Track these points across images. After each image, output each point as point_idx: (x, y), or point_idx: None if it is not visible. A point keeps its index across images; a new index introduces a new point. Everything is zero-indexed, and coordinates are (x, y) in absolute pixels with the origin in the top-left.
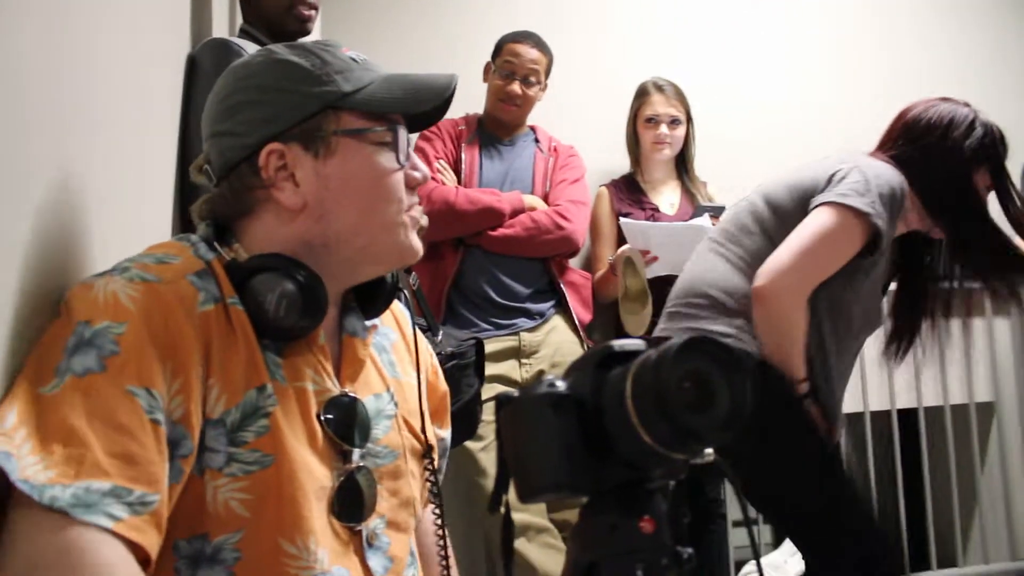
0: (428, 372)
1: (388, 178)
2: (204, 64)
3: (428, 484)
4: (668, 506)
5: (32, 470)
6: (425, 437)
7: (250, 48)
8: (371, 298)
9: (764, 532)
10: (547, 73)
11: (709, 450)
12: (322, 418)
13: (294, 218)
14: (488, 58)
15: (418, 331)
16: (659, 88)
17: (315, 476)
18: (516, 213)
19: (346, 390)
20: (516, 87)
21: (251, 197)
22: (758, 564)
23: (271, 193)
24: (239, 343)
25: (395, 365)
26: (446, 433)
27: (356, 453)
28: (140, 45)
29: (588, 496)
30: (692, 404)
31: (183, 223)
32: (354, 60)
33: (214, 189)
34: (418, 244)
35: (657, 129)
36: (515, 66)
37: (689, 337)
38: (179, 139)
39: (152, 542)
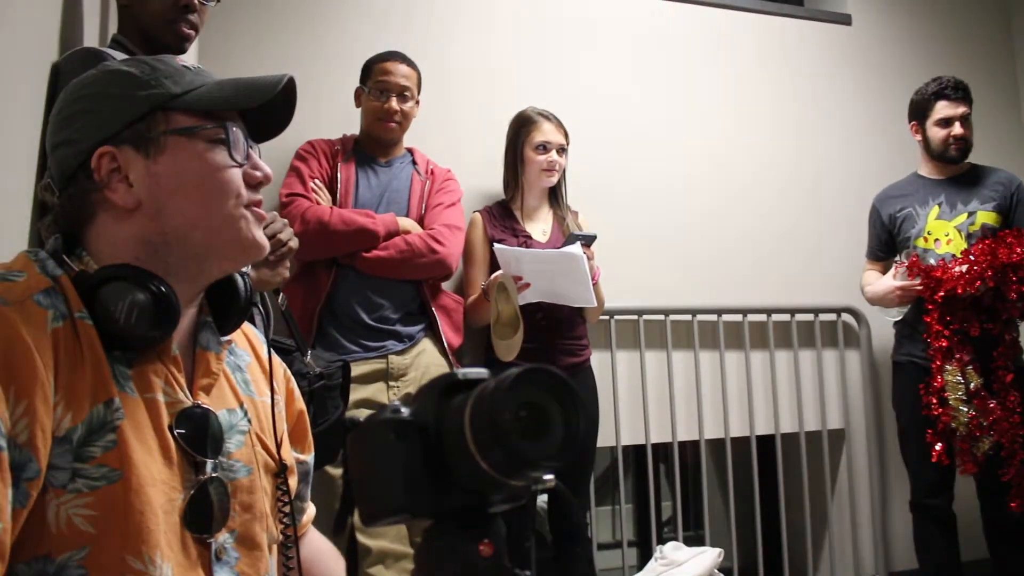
0: (283, 393)
1: (221, 173)
2: (69, 74)
3: (279, 504)
4: (509, 530)
5: None
6: (280, 456)
7: (120, 58)
8: (225, 314)
9: (630, 555)
10: (419, 88)
11: (549, 476)
12: (174, 430)
13: (130, 217)
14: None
15: (272, 352)
16: (546, 117)
17: (164, 489)
18: (391, 235)
19: (199, 402)
20: (393, 103)
21: (89, 202)
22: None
23: (105, 195)
24: (85, 358)
25: (249, 384)
26: (308, 457)
27: (208, 464)
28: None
29: (429, 520)
30: (527, 433)
31: (40, 236)
32: (187, 68)
33: (56, 202)
34: (262, 239)
35: (548, 155)
36: (389, 84)
37: (525, 367)
38: (39, 150)
39: None
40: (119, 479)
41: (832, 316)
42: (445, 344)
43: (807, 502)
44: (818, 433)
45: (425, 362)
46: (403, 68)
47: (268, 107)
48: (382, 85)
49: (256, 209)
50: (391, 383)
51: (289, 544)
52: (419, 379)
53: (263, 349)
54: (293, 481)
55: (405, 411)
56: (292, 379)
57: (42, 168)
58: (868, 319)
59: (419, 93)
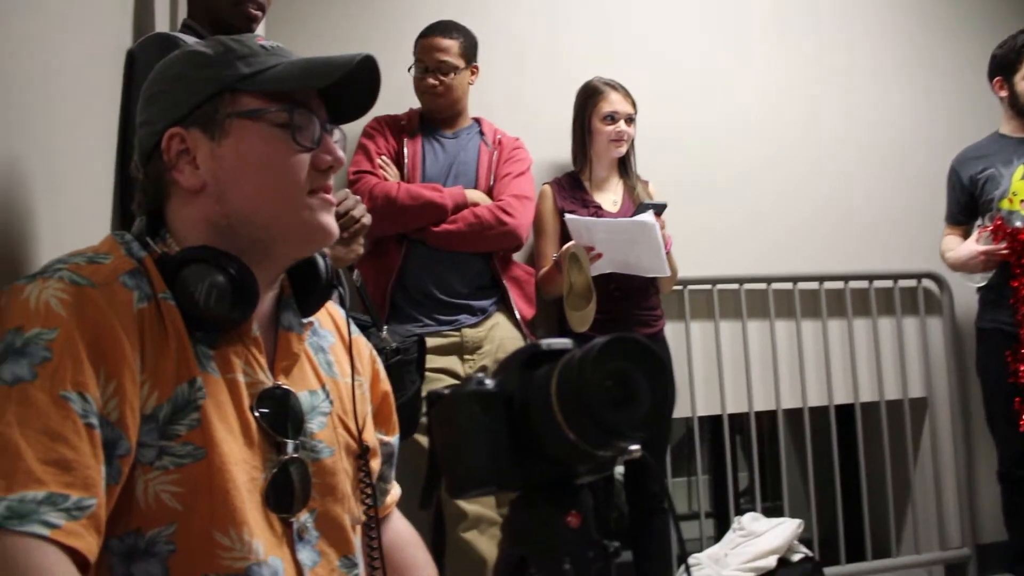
0: (368, 375)
1: (283, 158)
2: (144, 59)
3: (361, 485)
4: (595, 501)
5: None
6: (360, 438)
7: (191, 41)
8: (307, 294)
9: (707, 526)
10: (466, 55)
11: (635, 446)
12: (255, 410)
13: (196, 198)
14: None
15: (358, 334)
16: (613, 87)
17: (246, 468)
18: (459, 208)
19: (279, 383)
20: (430, 79)
21: (163, 182)
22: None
23: (174, 176)
24: (170, 338)
25: (332, 365)
26: (392, 439)
27: (290, 445)
28: (77, 41)
29: (516, 492)
30: (614, 402)
31: (123, 220)
32: (265, 48)
33: (140, 181)
34: (328, 224)
35: (616, 126)
36: (425, 60)
37: (611, 337)
38: (119, 135)
39: (90, 546)
40: (203, 457)
41: (912, 282)
42: (518, 316)
43: (889, 472)
44: (899, 402)
45: (499, 335)
46: (440, 41)
47: (350, 86)
48: (421, 63)
49: (324, 196)
50: (466, 356)
51: (372, 525)
52: (493, 352)
53: (346, 330)
54: (376, 463)
55: (489, 383)
56: (378, 360)
57: (122, 153)
58: (950, 285)
59: (471, 60)
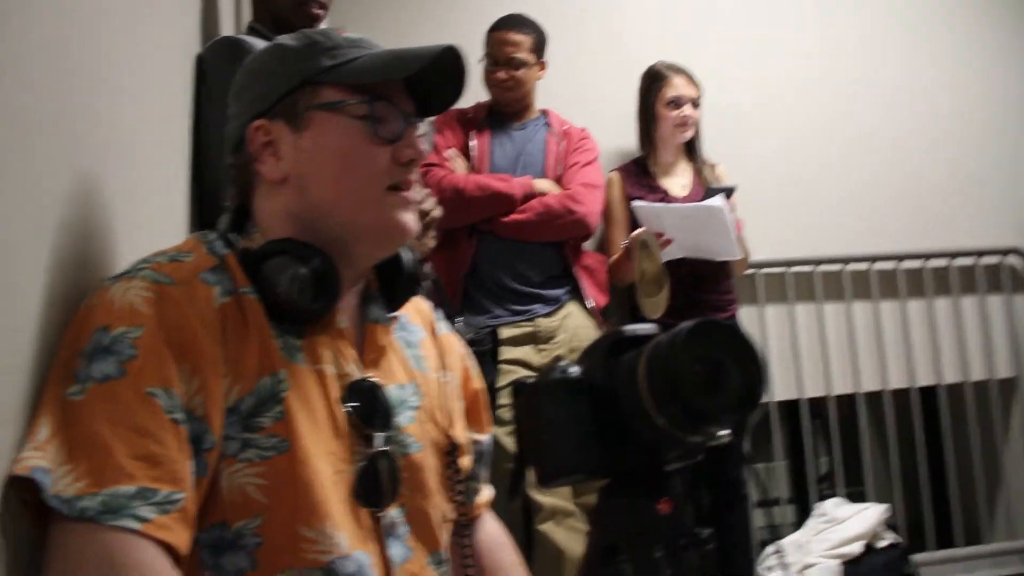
0: (459, 371)
1: (361, 150)
2: (213, 63)
3: (451, 483)
4: (686, 487)
5: (63, 483)
6: (451, 434)
7: (259, 44)
8: (394, 288)
9: (787, 512)
10: (536, 50)
11: (725, 431)
12: (343, 402)
13: (279, 190)
14: None
15: (448, 329)
16: (677, 71)
17: (331, 460)
18: (528, 198)
19: (368, 375)
20: (500, 73)
21: (248, 173)
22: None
23: (257, 167)
24: (252, 331)
25: (422, 360)
26: (485, 437)
27: (379, 438)
28: (149, 46)
29: (606, 479)
30: (703, 387)
31: (200, 220)
32: (350, 40)
33: (231, 172)
34: (406, 221)
35: (681, 111)
36: (496, 54)
37: (699, 321)
38: (191, 137)
39: (182, 539)
40: (287, 450)
41: (995, 259)
42: (591, 304)
43: (978, 455)
44: (985, 383)
45: (573, 324)
46: (511, 36)
47: (435, 79)
48: (491, 57)
49: (404, 194)
50: (540, 346)
51: (463, 523)
52: (568, 342)
53: (438, 325)
54: (466, 461)
55: (575, 371)
56: (470, 357)
57: (195, 157)
58: None
59: (540, 55)
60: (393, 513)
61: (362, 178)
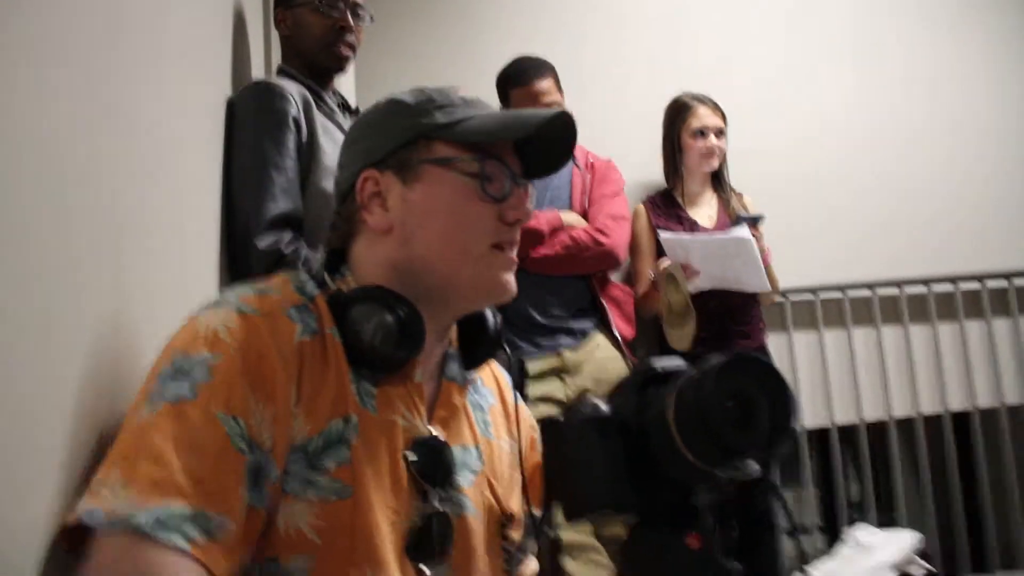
0: (526, 442)
1: (469, 207)
2: (244, 107)
3: (501, 551)
4: (715, 521)
5: (115, 501)
6: (503, 504)
7: (290, 86)
8: (474, 348)
9: (817, 540)
10: (559, 86)
11: (755, 466)
12: (408, 456)
13: (383, 240)
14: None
15: (520, 399)
16: (702, 101)
17: (388, 512)
18: (555, 231)
19: (435, 432)
20: None
21: (353, 221)
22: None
23: (363, 216)
24: (331, 372)
25: (489, 426)
26: (537, 512)
27: (436, 496)
28: (181, 96)
29: (634, 515)
30: (734, 422)
31: (231, 266)
32: (465, 100)
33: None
34: (507, 281)
35: (707, 140)
36: (537, 107)
37: (731, 356)
38: (222, 183)
39: (222, 568)
40: (350, 496)
41: None
42: (618, 336)
43: (1015, 480)
44: (1021, 407)
45: (600, 356)
46: (539, 86)
47: (545, 142)
48: (531, 108)
49: (508, 254)
50: (566, 378)
51: None
52: (594, 373)
53: (509, 393)
54: (517, 533)
55: (605, 408)
56: (537, 429)
57: (226, 198)
58: None
59: (561, 91)
60: (440, 570)
61: (468, 234)
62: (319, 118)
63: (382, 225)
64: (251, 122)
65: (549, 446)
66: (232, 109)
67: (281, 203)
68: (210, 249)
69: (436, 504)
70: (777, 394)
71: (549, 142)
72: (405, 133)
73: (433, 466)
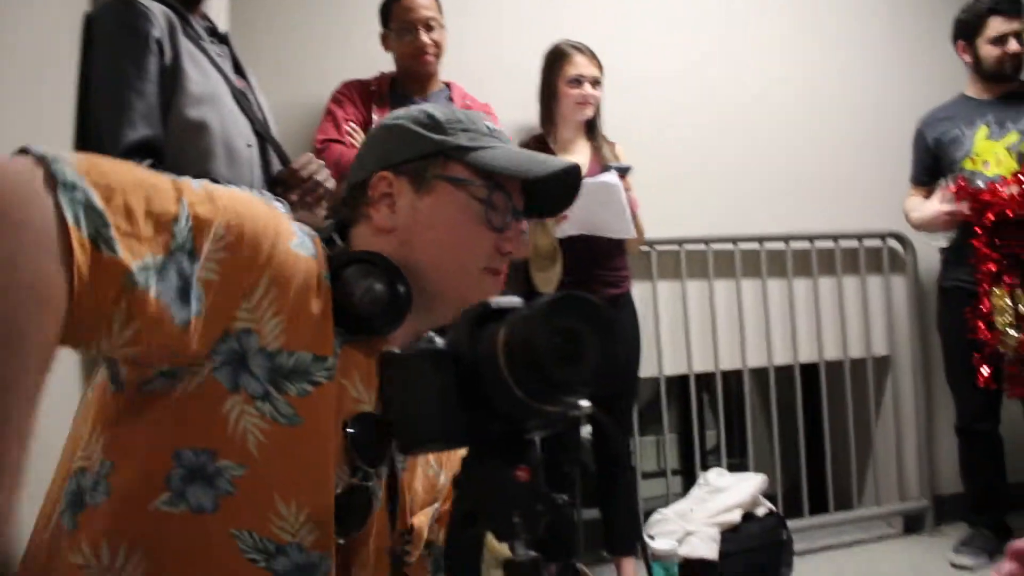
0: (450, 469)
1: (472, 229)
2: (102, 24)
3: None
4: (548, 456)
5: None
6: (403, 515)
7: (153, 6)
8: None
9: (675, 483)
10: (441, 11)
11: (585, 402)
12: (346, 427)
13: (383, 235)
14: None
15: None
16: (579, 49)
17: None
18: None
19: (380, 413)
20: (423, 37)
21: (358, 210)
22: None
23: (370, 211)
24: (316, 309)
25: None
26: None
27: (361, 473)
28: (31, 8)
29: (465, 447)
30: (561, 358)
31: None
32: (491, 129)
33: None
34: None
35: (582, 89)
36: (413, 19)
37: (559, 294)
38: (76, 106)
39: (83, 278)
40: (300, 425)
41: (877, 242)
42: None
43: (852, 428)
44: (863, 360)
45: None
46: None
47: (552, 186)
48: (407, 23)
49: (496, 278)
50: None
51: None
52: None
53: None
54: (416, 554)
55: (440, 341)
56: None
57: (80, 122)
58: (914, 244)
59: (441, 13)
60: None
61: (465, 252)
62: (184, 43)
63: (386, 224)
64: (109, 41)
65: (387, 380)
66: (89, 26)
67: (140, 129)
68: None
69: (358, 479)
70: (605, 332)
71: (555, 187)
72: (428, 145)
73: (368, 442)
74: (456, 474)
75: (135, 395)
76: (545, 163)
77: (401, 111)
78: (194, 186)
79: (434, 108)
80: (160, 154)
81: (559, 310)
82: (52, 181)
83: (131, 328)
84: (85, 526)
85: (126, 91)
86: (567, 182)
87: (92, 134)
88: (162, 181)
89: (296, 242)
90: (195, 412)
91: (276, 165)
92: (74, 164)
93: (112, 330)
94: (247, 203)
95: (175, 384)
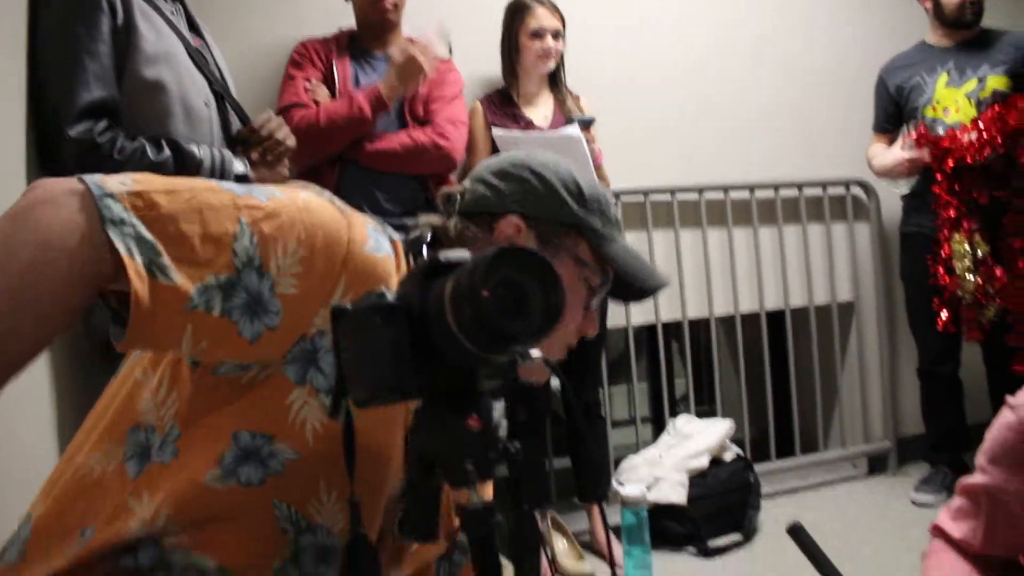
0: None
1: (573, 304)
2: None
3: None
4: (508, 405)
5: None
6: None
7: None
8: None
9: (644, 431)
10: None
11: (536, 352)
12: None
13: None
14: None
15: None
16: (541, 2)
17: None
18: (377, 107)
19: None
20: None
21: (469, 241)
22: None
23: (481, 244)
24: None
25: None
26: None
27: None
28: None
29: (419, 399)
30: (506, 309)
31: (39, 161)
32: (616, 220)
33: (445, 216)
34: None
35: (543, 42)
36: None
37: (502, 247)
38: (27, 69)
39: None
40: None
41: (841, 189)
42: None
43: (817, 374)
44: (828, 307)
45: None
46: None
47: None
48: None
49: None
50: None
51: None
52: None
53: None
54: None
55: (390, 295)
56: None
57: (32, 86)
58: (877, 191)
59: None
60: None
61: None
62: (137, 1)
63: None
64: (59, 2)
65: (339, 334)
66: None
67: (95, 90)
68: (15, 140)
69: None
70: (548, 281)
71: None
72: (571, 216)
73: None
74: (411, 424)
75: (207, 375)
76: (653, 276)
77: (552, 162)
78: (260, 199)
79: (581, 178)
80: (116, 115)
81: (502, 262)
82: (99, 215)
83: (199, 346)
84: (147, 477)
85: (79, 53)
86: (648, 292)
87: (45, 97)
88: (221, 198)
89: (371, 245)
90: (260, 399)
91: (236, 123)
92: (121, 195)
93: (182, 347)
94: (316, 212)
95: (245, 371)
